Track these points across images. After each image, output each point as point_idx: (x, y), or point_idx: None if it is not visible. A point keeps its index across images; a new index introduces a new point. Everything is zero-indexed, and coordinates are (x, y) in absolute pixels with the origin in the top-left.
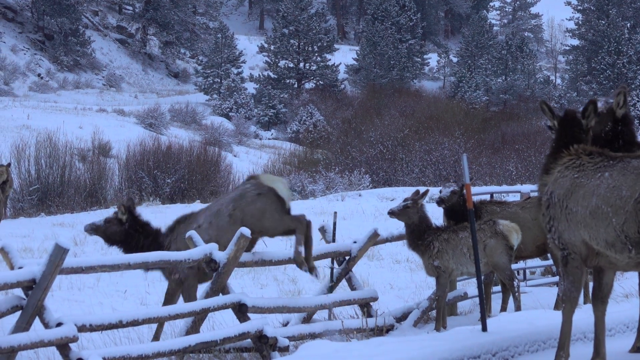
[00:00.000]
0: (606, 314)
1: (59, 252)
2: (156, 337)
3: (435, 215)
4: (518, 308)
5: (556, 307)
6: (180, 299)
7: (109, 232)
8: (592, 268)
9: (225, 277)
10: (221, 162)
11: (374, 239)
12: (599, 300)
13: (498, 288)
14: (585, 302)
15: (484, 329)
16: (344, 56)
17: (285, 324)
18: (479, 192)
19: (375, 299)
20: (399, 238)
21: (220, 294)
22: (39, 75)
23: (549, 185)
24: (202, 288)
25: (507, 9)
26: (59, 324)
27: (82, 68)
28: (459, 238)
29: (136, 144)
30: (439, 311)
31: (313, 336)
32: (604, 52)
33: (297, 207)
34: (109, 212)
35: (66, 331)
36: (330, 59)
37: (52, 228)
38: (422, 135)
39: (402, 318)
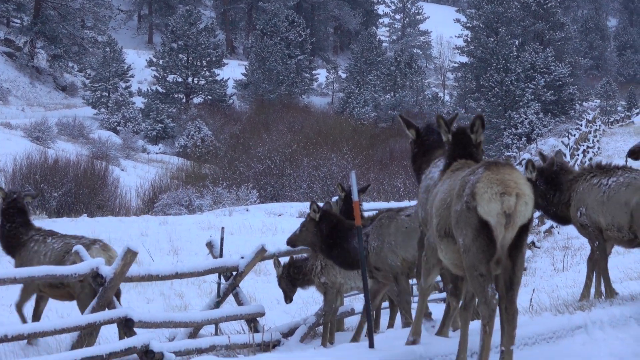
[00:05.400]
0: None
1: None
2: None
3: None
4: (407, 324)
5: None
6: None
7: None
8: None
9: (111, 292)
10: (108, 176)
11: (262, 254)
12: (462, 307)
13: (386, 304)
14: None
15: (371, 345)
16: (232, 71)
17: (172, 339)
18: (368, 209)
19: (262, 314)
20: (286, 254)
21: (107, 309)
22: None
23: None
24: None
25: (396, 25)
26: None
27: None
28: None
29: (23, 158)
30: (326, 327)
31: (199, 351)
32: (492, 69)
33: (185, 222)
34: None
35: None
36: (219, 74)
37: None
38: (311, 150)
39: (289, 334)
